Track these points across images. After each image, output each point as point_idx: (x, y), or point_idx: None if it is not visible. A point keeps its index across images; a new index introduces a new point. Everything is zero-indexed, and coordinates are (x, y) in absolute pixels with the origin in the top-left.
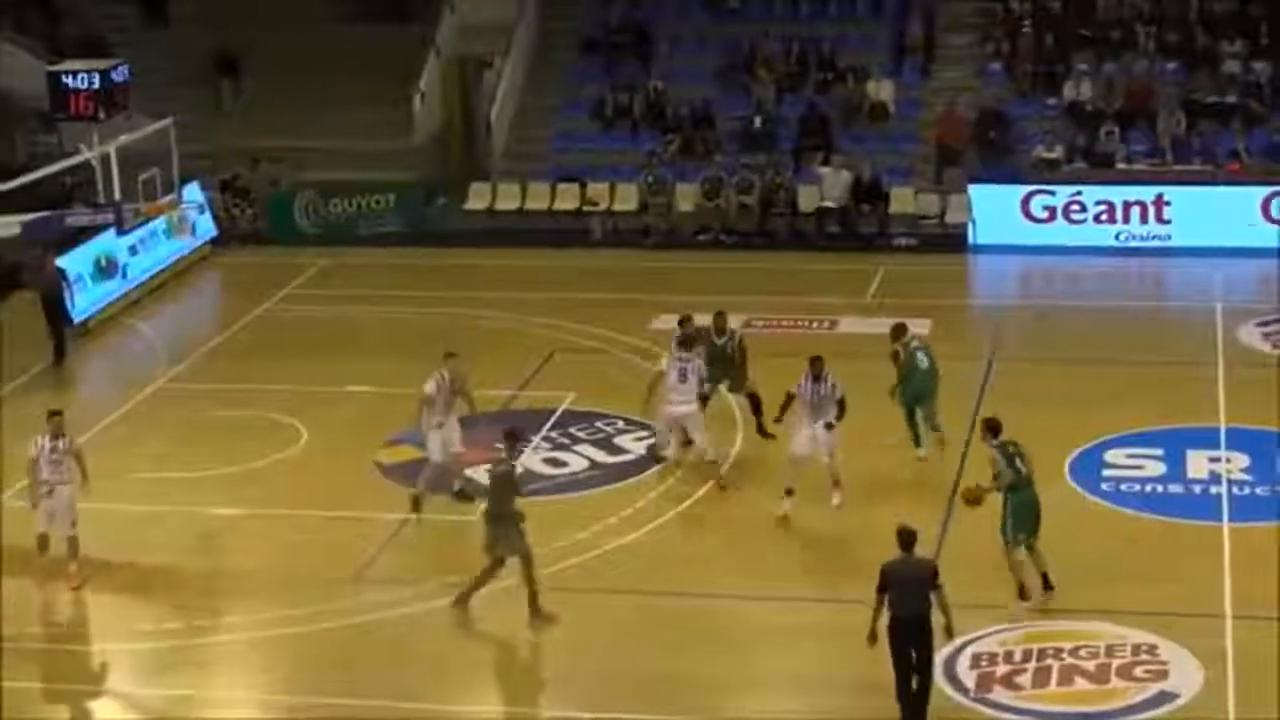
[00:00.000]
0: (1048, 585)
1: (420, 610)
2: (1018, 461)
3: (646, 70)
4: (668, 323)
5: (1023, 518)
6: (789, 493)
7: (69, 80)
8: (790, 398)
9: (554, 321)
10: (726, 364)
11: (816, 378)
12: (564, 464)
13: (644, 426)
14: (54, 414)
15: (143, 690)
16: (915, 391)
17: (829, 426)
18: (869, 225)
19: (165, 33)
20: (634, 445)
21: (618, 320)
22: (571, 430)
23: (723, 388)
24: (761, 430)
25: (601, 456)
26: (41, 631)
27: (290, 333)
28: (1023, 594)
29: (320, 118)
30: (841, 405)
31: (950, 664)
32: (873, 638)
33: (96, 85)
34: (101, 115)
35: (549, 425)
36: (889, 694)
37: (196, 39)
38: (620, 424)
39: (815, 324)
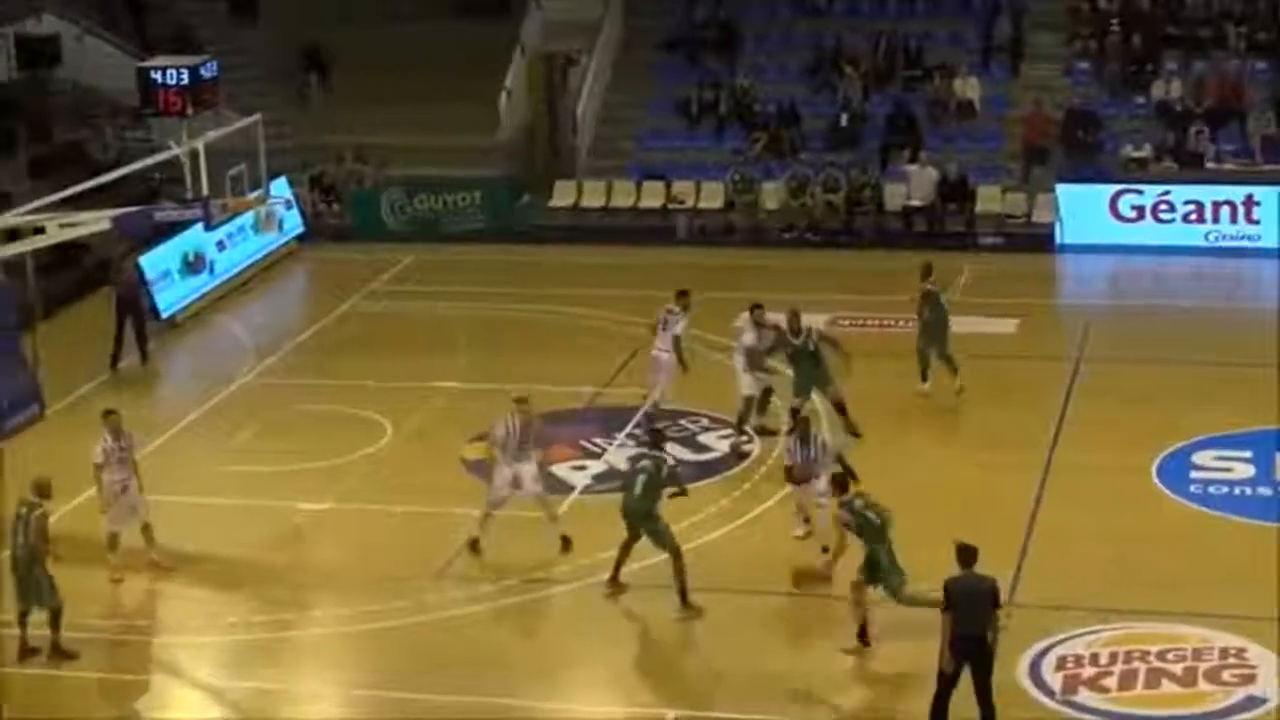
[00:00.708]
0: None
1: (503, 606)
2: (869, 514)
3: (732, 68)
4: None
5: (876, 566)
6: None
7: (158, 76)
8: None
9: (638, 319)
10: (813, 361)
11: None
12: None
13: (727, 424)
14: (109, 413)
15: (228, 683)
16: (938, 333)
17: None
18: (955, 224)
19: (254, 29)
20: (718, 443)
21: (702, 318)
22: (660, 429)
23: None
24: (851, 430)
25: (686, 454)
26: (126, 625)
27: (376, 329)
28: (863, 637)
29: (407, 114)
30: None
31: (1036, 666)
32: (944, 657)
33: (185, 81)
34: (190, 111)
35: (633, 422)
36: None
37: (285, 35)
38: (705, 421)
39: (900, 323)
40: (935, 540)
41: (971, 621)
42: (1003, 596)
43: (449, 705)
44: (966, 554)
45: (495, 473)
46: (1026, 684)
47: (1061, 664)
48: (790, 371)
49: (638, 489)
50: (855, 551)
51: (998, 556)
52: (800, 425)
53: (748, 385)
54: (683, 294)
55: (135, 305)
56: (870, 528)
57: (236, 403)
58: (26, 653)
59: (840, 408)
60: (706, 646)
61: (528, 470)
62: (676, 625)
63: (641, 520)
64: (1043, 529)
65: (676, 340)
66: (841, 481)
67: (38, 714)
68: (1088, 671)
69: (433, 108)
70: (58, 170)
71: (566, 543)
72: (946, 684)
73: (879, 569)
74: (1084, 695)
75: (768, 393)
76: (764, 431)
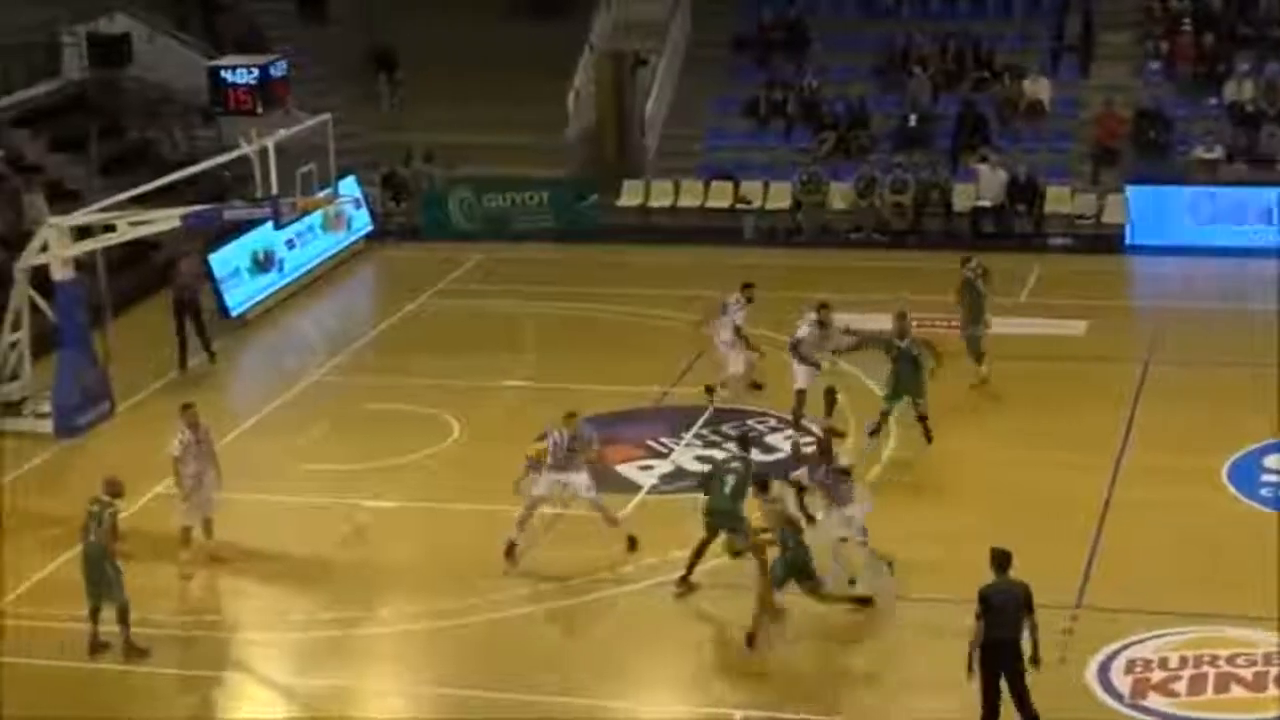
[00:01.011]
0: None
1: (568, 606)
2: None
3: (801, 68)
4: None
5: (791, 570)
6: None
7: (228, 75)
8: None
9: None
10: (913, 366)
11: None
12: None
13: (794, 425)
14: (187, 406)
15: (295, 680)
16: (978, 319)
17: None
18: (1024, 225)
19: (323, 28)
20: (785, 444)
21: (769, 318)
22: (722, 428)
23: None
24: (929, 435)
25: (753, 454)
26: (193, 620)
27: (444, 327)
28: (750, 642)
29: (475, 113)
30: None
31: (1104, 669)
32: (971, 669)
33: (255, 80)
34: (260, 110)
35: (700, 423)
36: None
37: (354, 35)
38: (771, 422)
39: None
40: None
41: (1005, 627)
42: (1071, 599)
43: (514, 704)
44: (1002, 558)
45: (538, 478)
46: (1095, 687)
47: (1130, 668)
48: (851, 368)
49: (726, 489)
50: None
51: (1067, 559)
52: (828, 438)
53: (800, 377)
54: (747, 286)
55: (193, 305)
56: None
57: (305, 401)
58: (97, 648)
59: (921, 417)
60: (776, 647)
61: (580, 480)
62: (741, 625)
63: (725, 520)
64: (1112, 531)
65: (738, 329)
66: (765, 484)
67: (109, 710)
68: (1157, 675)
69: (501, 107)
70: (128, 169)
71: (633, 543)
72: (991, 693)
73: (791, 570)
74: (1153, 699)
75: (832, 392)
76: (832, 432)
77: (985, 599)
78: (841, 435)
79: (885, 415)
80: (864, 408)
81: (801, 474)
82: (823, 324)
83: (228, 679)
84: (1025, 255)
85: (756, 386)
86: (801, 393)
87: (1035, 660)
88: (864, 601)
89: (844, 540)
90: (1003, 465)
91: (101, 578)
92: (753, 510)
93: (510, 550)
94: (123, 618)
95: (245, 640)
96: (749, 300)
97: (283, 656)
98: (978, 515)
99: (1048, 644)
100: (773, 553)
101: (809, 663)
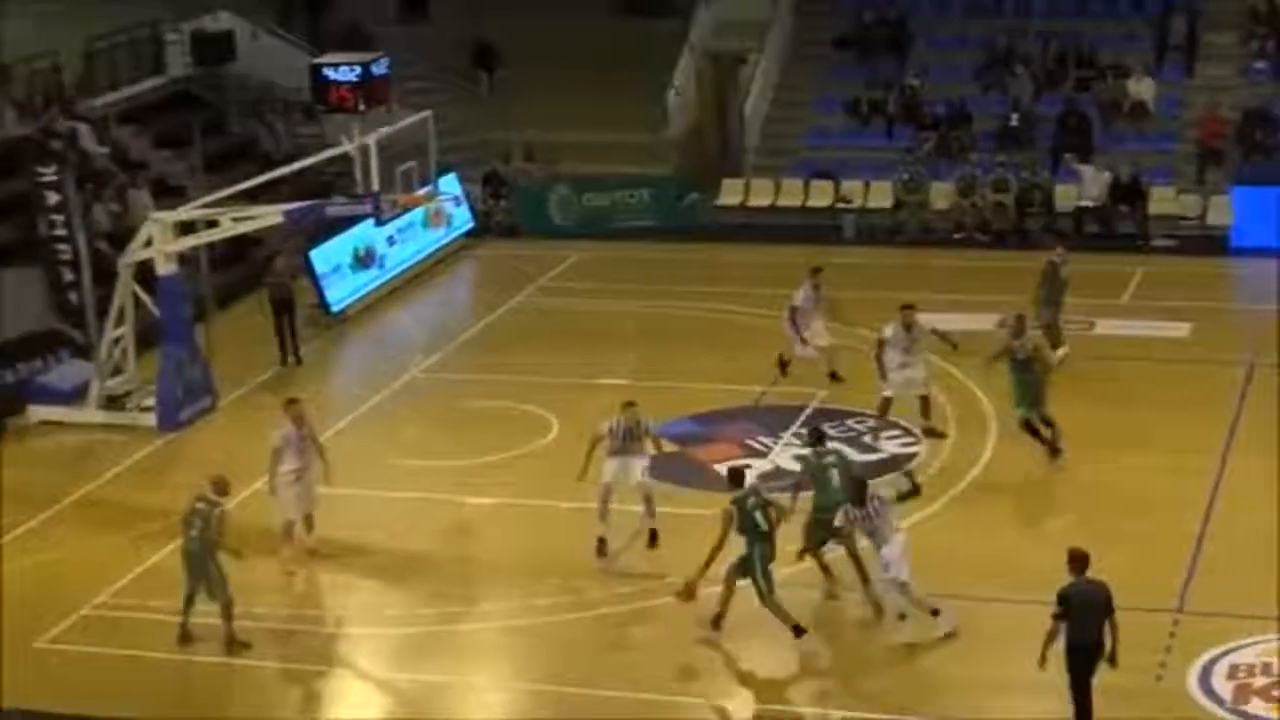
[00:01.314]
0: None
1: (666, 604)
2: (758, 515)
3: (902, 67)
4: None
5: (752, 567)
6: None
7: (331, 73)
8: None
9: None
10: (1024, 371)
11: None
12: None
13: (896, 425)
14: (292, 401)
15: (394, 675)
16: (1054, 299)
17: None
18: (1127, 226)
19: (425, 26)
20: (885, 444)
21: (869, 318)
22: (822, 427)
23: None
24: (1055, 450)
25: (852, 454)
26: (294, 614)
27: (543, 325)
28: (797, 631)
29: (576, 111)
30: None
31: (1206, 674)
32: (1044, 661)
33: (357, 78)
34: (362, 107)
35: (799, 422)
36: (1137, 700)
37: (456, 32)
38: (871, 422)
39: (1071, 325)
40: (1104, 543)
41: (1086, 629)
42: (1173, 602)
43: (611, 701)
44: (1080, 560)
45: (601, 468)
46: (1196, 692)
47: (1233, 673)
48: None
49: (835, 482)
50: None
51: (1169, 562)
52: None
53: (891, 384)
54: (816, 270)
55: (289, 304)
56: (756, 530)
57: (405, 397)
58: (186, 638)
59: (1036, 429)
60: (871, 647)
61: (639, 463)
62: (842, 624)
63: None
64: (1215, 535)
65: (794, 310)
66: (737, 476)
67: (210, 702)
68: (1259, 681)
69: (602, 105)
70: (231, 165)
71: (654, 537)
72: (1084, 697)
73: (752, 568)
74: (1255, 705)
75: (926, 398)
76: (932, 433)
77: (1065, 599)
78: (942, 436)
79: (1026, 423)
80: (962, 406)
81: (840, 516)
82: (908, 326)
83: (327, 674)
84: (1128, 256)
85: (834, 377)
86: (887, 400)
87: (1112, 661)
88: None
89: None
90: (1104, 466)
91: (205, 575)
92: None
93: (601, 546)
94: (227, 612)
95: (345, 635)
96: (815, 286)
97: (382, 652)
98: (1079, 516)
99: (1149, 648)
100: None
101: (903, 663)
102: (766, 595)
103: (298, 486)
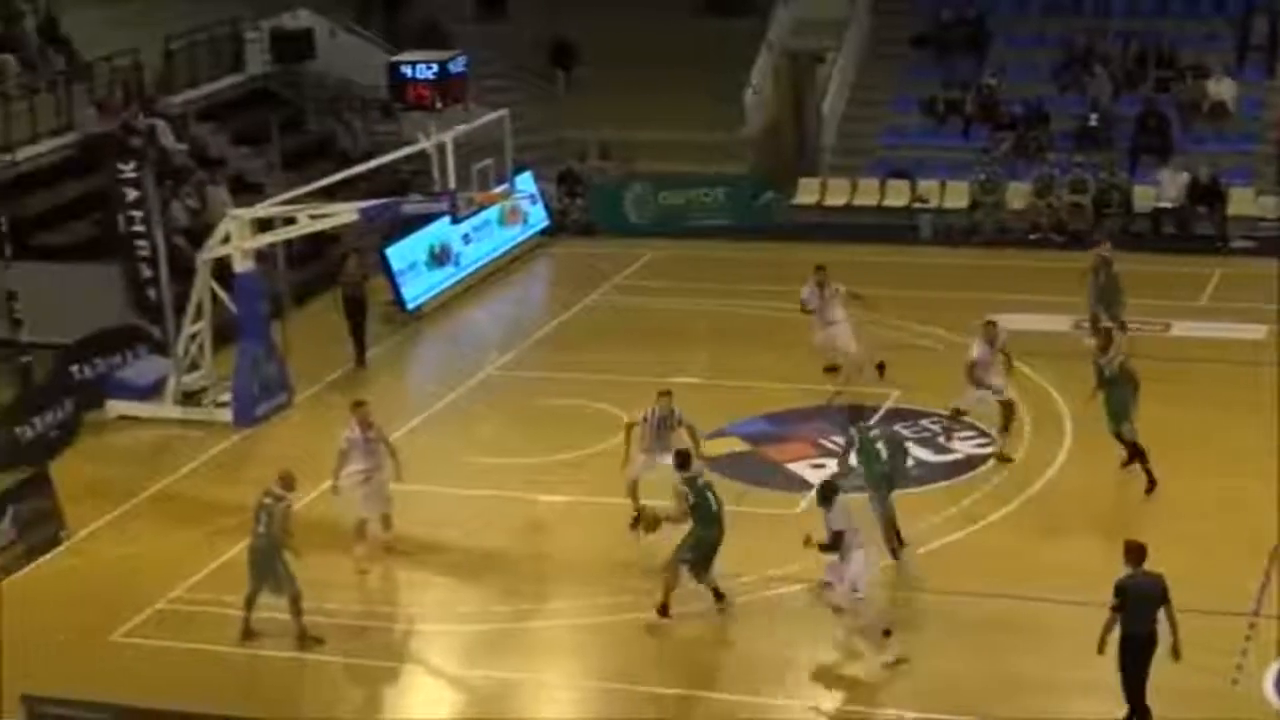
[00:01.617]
0: (719, 597)
1: (739, 603)
2: (709, 495)
3: (980, 66)
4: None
5: (701, 551)
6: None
7: (408, 71)
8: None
9: (879, 318)
10: (1111, 387)
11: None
12: None
13: (970, 426)
14: (359, 404)
15: (466, 672)
16: (1110, 297)
17: None
18: (1205, 227)
19: (502, 24)
20: (961, 445)
21: (945, 318)
22: (896, 428)
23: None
24: (1151, 478)
25: (927, 455)
26: (366, 610)
27: (618, 323)
28: (663, 611)
29: (652, 109)
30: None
31: None
32: (1102, 648)
33: (435, 76)
34: (439, 105)
35: (873, 422)
36: (1212, 702)
37: (533, 30)
38: (945, 423)
39: (1148, 327)
40: (1178, 545)
41: (1143, 620)
42: (1249, 606)
43: (682, 700)
44: (1137, 552)
45: (631, 458)
46: (1272, 696)
47: None
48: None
49: (884, 455)
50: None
51: (1244, 565)
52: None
53: (967, 398)
54: (819, 268)
55: (361, 305)
56: (706, 510)
57: (479, 395)
58: (249, 634)
59: (1135, 455)
60: (944, 649)
61: (669, 456)
62: (914, 626)
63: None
64: None
65: (803, 304)
66: (684, 458)
67: (281, 697)
68: None
69: (678, 103)
70: (309, 162)
71: (644, 519)
72: (1139, 686)
73: (699, 549)
74: None
75: (1010, 405)
76: (1000, 458)
77: (1123, 591)
78: (1008, 460)
79: (1118, 436)
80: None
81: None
82: (990, 342)
83: (399, 670)
84: (1206, 258)
85: (829, 369)
86: (957, 411)
87: (1175, 653)
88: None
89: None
90: (1182, 469)
91: (270, 571)
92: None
93: (635, 521)
94: (295, 607)
95: (418, 631)
96: (819, 284)
97: (454, 648)
98: (1153, 519)
99: (1224, 651)
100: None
101: (979, 664)
102: (699, 576)
103: (367, 487)
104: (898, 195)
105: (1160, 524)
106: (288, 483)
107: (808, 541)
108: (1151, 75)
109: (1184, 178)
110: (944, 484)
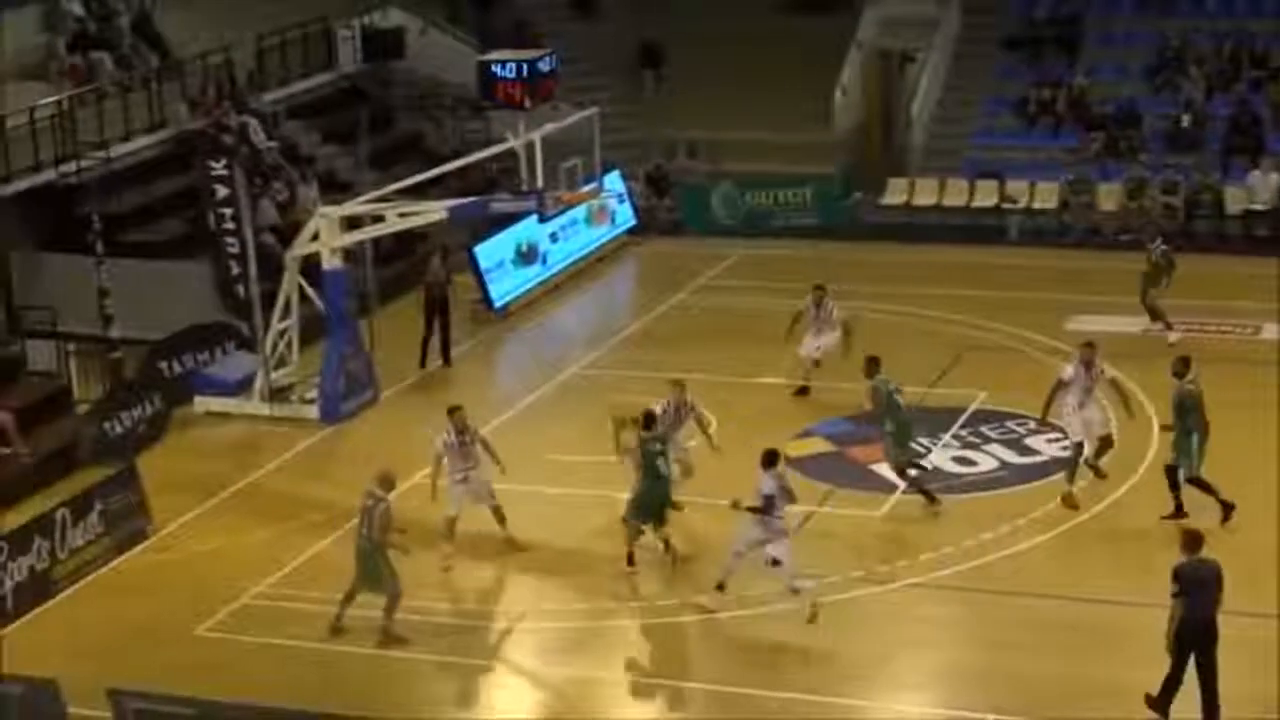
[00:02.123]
0: (668, 549)
1: (824, 603)
2: (659, 463)
3: (1071, 66)
4: (1084, 324)
5: (645, 507)
6: None
7: (498, 69)
8: None
9: (967, 319)
10: (1181, 421)
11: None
12: (973, 463)
13: (1056, 429)
14: (455, 409)
15: (547, 669)
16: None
17: None
18: None
19: (592, 23)
20: (1046, 447)
21: (1032, 320)
22: (982, 429)
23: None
24: (1226, 510)
25: (1011, 457)
26: (450, 608)
27: (705, 322)
28: (630, 560)
29: (741, 109)
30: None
31: None
32: (1170, 643)
33: (524, 74)
34: (528, 104)
35: (959, 424)
36: None
37: (622, 29)
38: (1031, 425)
39: (1237, 329)
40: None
41: (1202, 605)
42: None
43: (763, 700)
44: (1194, 539)
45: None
46: None
47: None
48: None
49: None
50: None
51: None
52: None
53: (1075, 428)
54: (818, 288)
55: (444, 305)
56: (652, 471)
57: (565, 392)
58: (336, 630)
59: (1204, 483)
60: (1025, 650)
61: (677, 438)
62: (994, 627)
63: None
64: None
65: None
66: (649, 420)
67: (362, 692)
68: None
69: (767, 103)
70: (397, 160)
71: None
72: (1179, 670)
73: (638, 503)
74: None
75: (1106, 438)
76: (1096, 472)
77: (1181, 577)
78: (1103, 476)
79: (1169, 470)
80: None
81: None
82: (1087, 364)
83: (480, 667)
84: None
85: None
86: (1080, 445)
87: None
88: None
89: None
90: (1266, 473)
91: (373, 571)
92: None
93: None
94: (391, 605)
95: (499, 629)
96: (817, 303)
97: (535, 646)
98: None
99: None
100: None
101: (1058, 666)
102: (633, 527)
103: (464, 485)
104: (986, 195)
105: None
106: (387, 483)
107: (735, 505)
108: (1245, 75)
109: (1276, 179)
110: (1027, 486)
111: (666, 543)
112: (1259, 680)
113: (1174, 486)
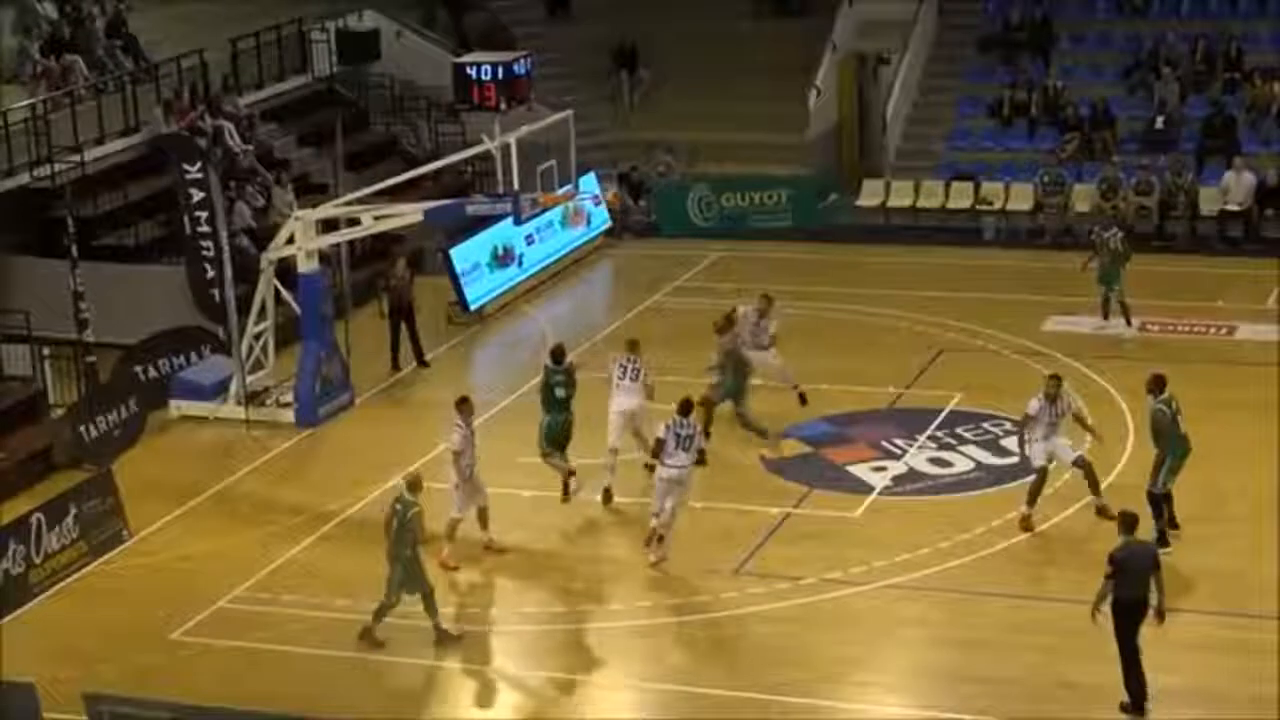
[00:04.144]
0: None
1: (800, 605)
2: (557, 390)
3: (1046, 68)
4: (1060, 324)
5: (546, 434)
6: None
7: (472, 72)
8: None
9: (942, 320)
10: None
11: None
12: (949, 464)
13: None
14: (464, 400)
15: (526, 672)
16: (1112, 276)
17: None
18: (1272, 230)
19: (567, 25)
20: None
21: (1008, 321)
22: (958, 430)
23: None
24: (1161, 537)
25: (987, 458)
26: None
27: (680, 324)
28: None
29: (716, 111)
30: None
31: None
32: (1095, 614)
33: (499, 77)
34: (503, 107)
35: (935, 425)
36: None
37: (598, 32)
38: (1007, 425)
39: (1212, 330)
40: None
41: (1133, 586)
42: None
43: (742, 702)
44: (1129, 521)
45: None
46: None
47: None
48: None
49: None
50: None
51: None
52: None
53: (1037, 455)
54: (765, 298)
55: (407, 309)
56: (550, 400)
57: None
58: (368, 639)
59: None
60: (999, 650)
61: (641, 406)
62: (968, 629)
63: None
64: None
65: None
66: (557, 354)
67: (343, 696)
68: None
69: (742, 105)
70: (372, 163)
71: (607, 495)
72: (1134, 652)
73: (545, 433)
74: None
75: (1086, 466)
76: (1105, 513)
77: (1116, 560)
78: (1029, 530)
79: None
80: (1100, 411)
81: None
82: (1052, 399)
83: (459, 670)
84: (1272, 261)
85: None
86: (1042, 470)
87: (1160, 615)
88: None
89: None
90: (1238, 474)
91: (405, 575)
92: None
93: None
94: (429, 607)
95: (477, 632)
96: (760, 313)
97: (513, 648)
98: (1218, 522)
99: None
100: None
101: (1032, 667)
102: (547, 453)
103: (469, 484)
104: (962, 197)
105: (1225, 536)
106: (416, 486)
107: (655, 452)
108: (1219, 77)
109: (1250, 180)
110: (1003, 487)
111: (566, 482)
112: (1256, 683)
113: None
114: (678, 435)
